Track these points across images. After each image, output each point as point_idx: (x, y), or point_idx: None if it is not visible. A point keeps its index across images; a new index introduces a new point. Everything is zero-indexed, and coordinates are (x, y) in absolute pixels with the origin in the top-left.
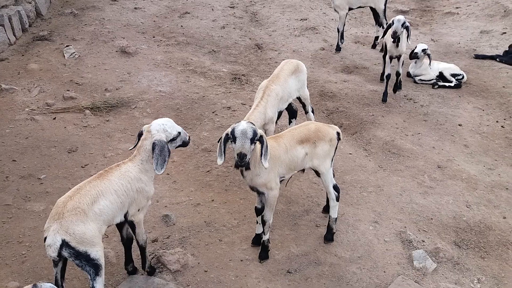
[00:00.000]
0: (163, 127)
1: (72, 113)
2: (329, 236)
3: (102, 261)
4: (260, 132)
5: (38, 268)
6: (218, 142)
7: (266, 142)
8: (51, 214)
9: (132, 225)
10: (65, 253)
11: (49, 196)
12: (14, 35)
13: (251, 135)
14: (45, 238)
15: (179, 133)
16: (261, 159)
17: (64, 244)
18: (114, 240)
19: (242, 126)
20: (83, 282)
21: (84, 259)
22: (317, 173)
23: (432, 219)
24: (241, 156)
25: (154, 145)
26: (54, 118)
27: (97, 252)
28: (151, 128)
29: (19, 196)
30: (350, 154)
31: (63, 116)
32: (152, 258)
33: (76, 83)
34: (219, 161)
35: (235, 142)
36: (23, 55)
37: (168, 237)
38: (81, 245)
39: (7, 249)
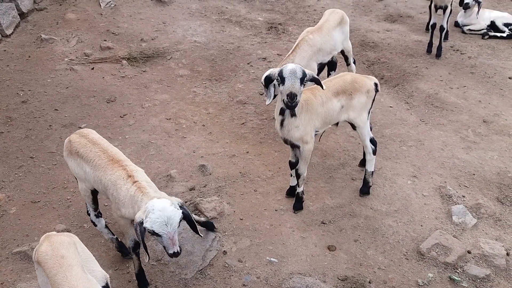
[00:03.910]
0: None
1: (110, 63)
2: (365, 190)
3: None
4: (309, 72)
5: (82, 213)
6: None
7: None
8: None
9: None
10: None
11: None
12: None
13: (300, 75)
14: None
15: None
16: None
17: None
18: None
19: (290, 66)
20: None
21: None
22: (353, 126)
23: (474, 174)
24: (292, 96)
25: None
26: (93, 68)
27: None
28: None
29: (62, 144)
30: (391, 107)
31: (101, 66)
32: (190, 205)
33: (113, 33)
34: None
35: (283, 83)
36: (60, 5)
37: (204, 186)
38: None
39: (53, 194)
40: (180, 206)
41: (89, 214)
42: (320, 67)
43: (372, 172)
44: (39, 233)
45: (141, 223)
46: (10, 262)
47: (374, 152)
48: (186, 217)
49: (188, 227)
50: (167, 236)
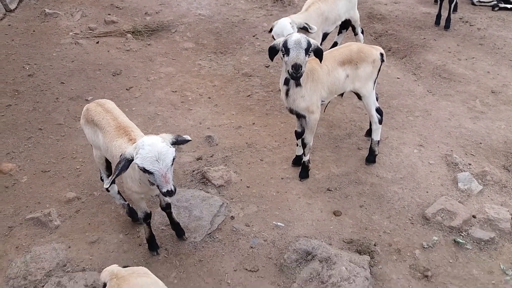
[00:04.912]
0: None
1: (114, 37)
2: (371, 158)
3: None
4: (314, 42)
5: (92, 181)
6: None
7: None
8: None
9: None
10: None
11: None
12: None
13: (305, 46)
14: None
15: None
16: None
17: None
18: None
19: (295, 37)
20: None
21: None
22: (359, 96)
23: (481, 143)
24: (297, 67)
25: None
26: (97, 42)
27: None
28: None
29: (69, 116)
30: (398, 78)
31: (105, 40)
32: (197, 174)
33: (117, 7)
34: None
35: (288, 54)
36: None
37: (211, 156)
38: None
39: (63, 163)
40: (172, 143)
41: (102, 180)
42: (323, 37)
43: (378, 141)
44: (50, 201)
45: (128, 160)
46: (24, 227)
47: (380, 122)
48: (180, 142)
49: (196, 194)
50: (159, 173)
